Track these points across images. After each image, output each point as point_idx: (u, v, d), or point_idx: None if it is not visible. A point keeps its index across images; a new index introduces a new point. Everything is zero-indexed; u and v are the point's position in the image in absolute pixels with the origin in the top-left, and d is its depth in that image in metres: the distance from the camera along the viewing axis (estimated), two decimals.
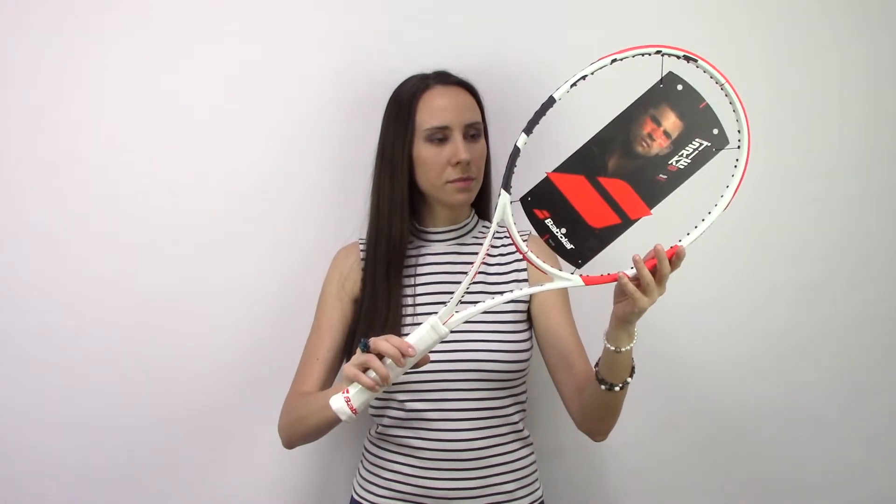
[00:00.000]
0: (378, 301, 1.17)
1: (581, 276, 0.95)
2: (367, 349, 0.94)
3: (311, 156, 1.38)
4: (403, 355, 0.93)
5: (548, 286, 0.96)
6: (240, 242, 1.38)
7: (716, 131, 0.92)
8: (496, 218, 0.95)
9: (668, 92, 0.92)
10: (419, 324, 1.14)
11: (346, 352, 1.22)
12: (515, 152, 0.92)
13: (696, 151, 0.92)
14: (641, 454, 1.48)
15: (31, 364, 1.36)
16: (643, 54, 0.91)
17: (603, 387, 1.03)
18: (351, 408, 0.94)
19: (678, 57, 0.91)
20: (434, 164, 1.16)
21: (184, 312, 1.38)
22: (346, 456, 1.40)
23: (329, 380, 1.20)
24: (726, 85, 0.91)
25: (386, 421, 1.19)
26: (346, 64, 1.37)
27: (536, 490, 1.23)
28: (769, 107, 1.43)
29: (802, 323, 1.47)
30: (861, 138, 1.46)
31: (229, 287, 1.38)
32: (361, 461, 1.26)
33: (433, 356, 1.12)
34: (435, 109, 1.16)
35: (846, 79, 1.45)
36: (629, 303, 0.95)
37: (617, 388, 1.02)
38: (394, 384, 1.14)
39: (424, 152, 1.16)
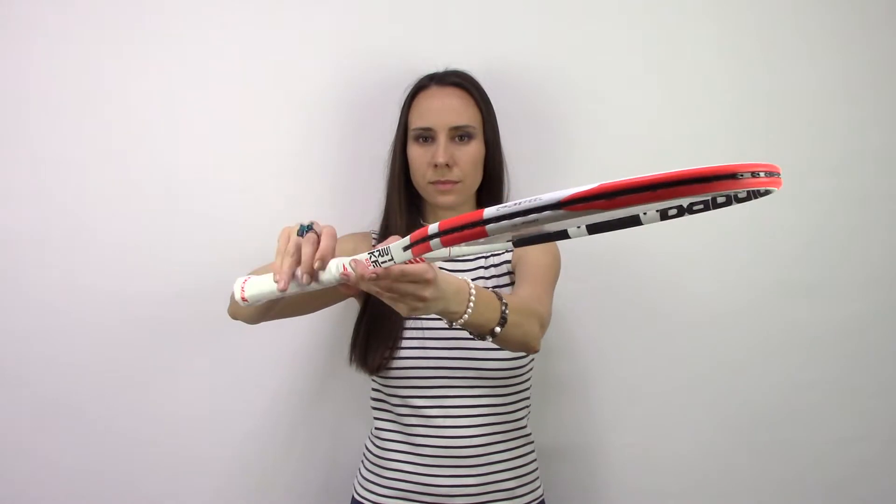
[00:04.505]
0: None
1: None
2: (300, 232, 0.80)
3: (318, 155, 1.39)
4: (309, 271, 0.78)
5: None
6: (243, 242, 1.38)
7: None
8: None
9: None
10: (421, 319, 1.15)
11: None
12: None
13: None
14: (641, 454, 1.48)
15: (29, 364, 1.36)
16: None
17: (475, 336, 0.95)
18: (242, 296, 0.84)
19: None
20: (419, 165, 1.19)
21: (186, 312, 1.38)
22: (346, 457, 1.40)
23: None
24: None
25: (388, 416, 1.20)
26: (352, 64, 1.38)
27: (537, 489, 1.23)
28: (770, 106, 1.44)
29: (803, 323, 1.47)
30: (862, 139, 1.46)
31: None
32: (362, 461, 1.26)
33: (432, 353, 1.14)
34: (422, 111, 1.19)
35: (849, 78, 1.46)
36: None
37: (489, 339, 0.93)
38: (396, 379, 1.15)
39: (412, 152, 1.20)
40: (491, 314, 0.91)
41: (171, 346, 1.39)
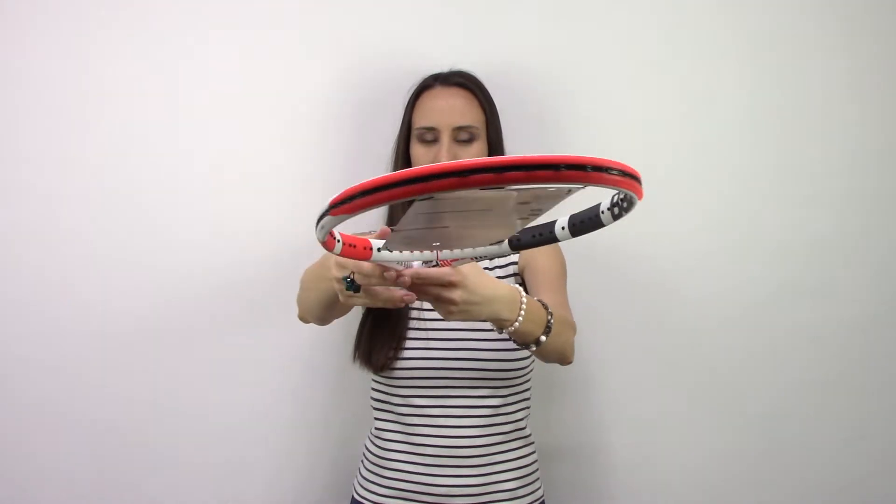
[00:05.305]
0: None
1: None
2: (355, 290, 0.82)
3: (320, 155, 1.39)
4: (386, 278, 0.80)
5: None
6: (244, 242, 1.38)
7: None
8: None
9: None
10: (425, 319, 1.15)
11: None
12: None
13: None
14: (642, 455, 1.48)
15: (31, 366, 1.36)
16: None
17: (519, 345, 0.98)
18: None
19: None
20: (421, 164, 1.19)
21: (187, 312, 1.38)
22: (346, 456, 1.40)
23: None
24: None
25: (389, 416, 1.20)
26: (353, 64, 1.38)
27: (538, 489, 1.23)
28: (774, 107, 1.44)
29: (805, 323, 1.47)
30: (868, 140, 1.46)
31: (235, 288, 1.38)
32: (362, 461, 1.26)
33: (435, 353, 1.14)
34: (426, 110, 1.20)
35: (855, 79, 1.46)
36: None
37: (533, 347, 0.95)
38: (399, 379, 1.15)
39: (415, 151, 1.21)
40: (538, 323, 0.94)
41: (171, 346, 1.39)
